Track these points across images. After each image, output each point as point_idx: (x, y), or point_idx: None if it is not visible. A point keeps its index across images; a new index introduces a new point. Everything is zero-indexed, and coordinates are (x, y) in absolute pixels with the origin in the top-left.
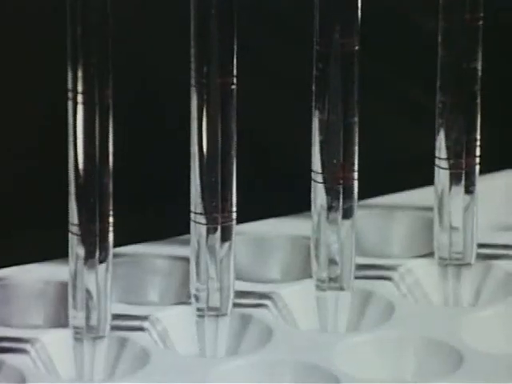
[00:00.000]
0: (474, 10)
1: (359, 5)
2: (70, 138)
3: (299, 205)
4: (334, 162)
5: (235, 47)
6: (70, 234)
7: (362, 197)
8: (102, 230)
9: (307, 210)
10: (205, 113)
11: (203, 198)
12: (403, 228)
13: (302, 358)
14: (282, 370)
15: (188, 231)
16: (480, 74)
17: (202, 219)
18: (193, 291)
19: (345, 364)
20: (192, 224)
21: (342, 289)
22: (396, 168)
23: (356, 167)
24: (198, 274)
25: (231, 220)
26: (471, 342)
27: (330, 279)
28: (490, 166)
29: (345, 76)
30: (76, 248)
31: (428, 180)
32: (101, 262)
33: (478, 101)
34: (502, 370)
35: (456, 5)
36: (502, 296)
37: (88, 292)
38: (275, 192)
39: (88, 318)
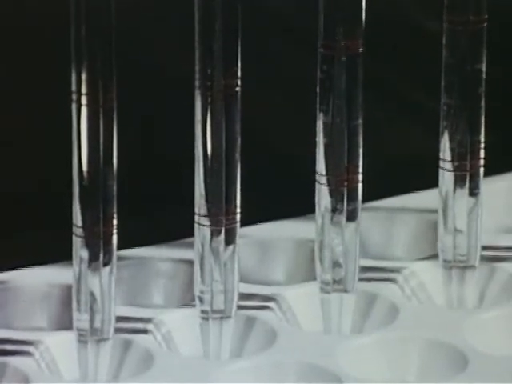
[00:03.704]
0: (478, 11)
1: (363, 6)
2: (74, 140)
3: (303, 207)
4: (339, 163)
5: (239, 49)
6: (73, 237)
7: (365, 199)
8: (105, 232)
9: (311, 213)
10: (209, 115)
11: (207, 201)
12: (407, 230)
13: (306, 360)
14: (286, 372)
15: (192, 234)
16: (484, 75)
17: (206, 221)
18: (197, 293)
19: (349, 366)
20: (196, 226)
21: (346, 291)
22: (399, 170)
23: (360, 169)
24: (202, 276)
25: (235, 222)
26: (475, 344)
27: (334, 281)
28: (494, 168)
29: (349, 78)
30: (80, 251)
31: (431, 182)
32: (105, 264)
33: (483, 103)
34: (507, 373)
35: (460, 6)
36: (506, 298)
37: (92, 295)
38: (279, 194)
39: (92, 320)
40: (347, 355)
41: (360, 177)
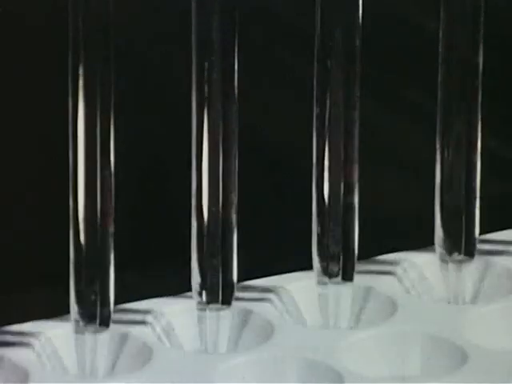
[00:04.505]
0: (475, 9)
1: (360, 4)
2: (71, 144)
3: (303, 207)
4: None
5: (236, 49)
6: (71, 232)
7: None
8: (102, 227)
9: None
10: (206, 116)
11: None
12: None
13: (305, 355)
14: (286, 367)
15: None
16: (481, 73)
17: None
18: (194, 286)
19: (348, 360)
20: (193, 221)
21: (343, 283)
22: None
23: (357, 163)
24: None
25: (232, 214)
26: (475, 338)
27: (332, 274)
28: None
29: (346, 76)
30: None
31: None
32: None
33: (479, 101)
34: (506, 367)
35: (457, 4)
36: (505, 292)
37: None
38: (279, 195)
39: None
40: (346, 349)
41: (356, 168)
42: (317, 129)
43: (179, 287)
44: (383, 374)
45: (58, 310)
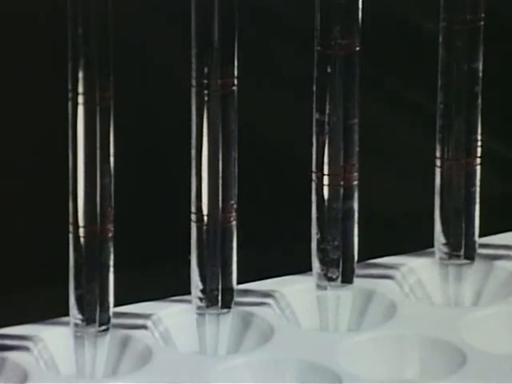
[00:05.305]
0: (475, 10)
1: (360, 5)
2: (70, 139)
3: (302, 206)
4: (335, 162)
5: (236, 47)
6: (70, 236)
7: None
8: (102, 231)
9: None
10: (205, 114)
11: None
12: None
13: (304, 357)
14: (285, 369)
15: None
16: (481, 74)
17: (202, 219)
18: (194, 292)
19: (347, 363)
20: (192, 224)
21: (342, 288)
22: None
23: (356, 168)
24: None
25: (232, 221)
26: (474, 342)
27: (331, 279)
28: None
29: (346, 77)
30: (76, 249)
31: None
32: (101, 263)
33: (479, 101)
34: (505, 370)
35: (457, 5)
36: (504, 296)
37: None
38: (277, 193)
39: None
40: (345, 352)
41: (356, 175)
42: (316, 134)
43: (179, 287)
44: (382, 376)
45: (57, 311)
